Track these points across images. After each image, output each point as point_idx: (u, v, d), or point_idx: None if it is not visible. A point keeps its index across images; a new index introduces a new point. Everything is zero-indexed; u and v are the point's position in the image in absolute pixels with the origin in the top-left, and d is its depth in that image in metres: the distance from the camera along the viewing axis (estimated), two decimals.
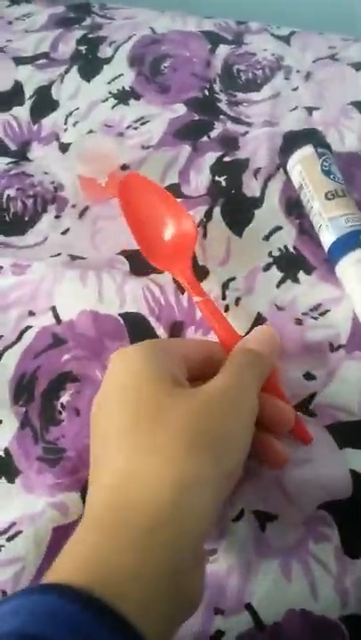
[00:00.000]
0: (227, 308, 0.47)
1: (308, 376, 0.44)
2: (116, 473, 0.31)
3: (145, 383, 0.34)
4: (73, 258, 0.51)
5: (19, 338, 0.47)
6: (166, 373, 0.35)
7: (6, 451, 0.43)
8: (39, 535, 0.39)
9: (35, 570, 0.38)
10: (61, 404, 0.44)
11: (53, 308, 0.48)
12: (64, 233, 0.53)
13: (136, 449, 0.32)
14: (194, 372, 0.38)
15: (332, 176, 0.49)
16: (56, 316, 0.48)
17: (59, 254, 0.51)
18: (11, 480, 0.42)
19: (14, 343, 0.47)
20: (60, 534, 0.39)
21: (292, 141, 0.55)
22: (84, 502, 0.40)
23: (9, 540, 0.40)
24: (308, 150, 0.51)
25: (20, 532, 0.40)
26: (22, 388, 0.45)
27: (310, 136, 0.54)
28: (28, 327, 0.48)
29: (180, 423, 0.32)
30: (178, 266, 0.47)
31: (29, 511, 0.40)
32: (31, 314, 0.48)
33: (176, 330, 0.47)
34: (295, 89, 0.61)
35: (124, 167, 0.55)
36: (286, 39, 0.65)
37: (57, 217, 0.54)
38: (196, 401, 0.33)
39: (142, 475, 0.30)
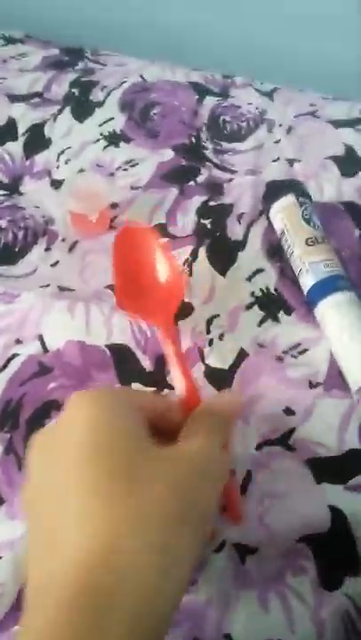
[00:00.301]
0: (211, 342, 0.49)
1: (288, 411, 0.45)
2: (87, 547, 0.27)
3: (117, 436, 0.31)
4: (62, 289, 0.52)
5: (5, 365, 0.48)
6: (138, 425, 0.33)
7: None
8: (18, 560, 0.40)
9: (14, 594, 0.39)
10: None
11: (41, 337, 0.49)
12: (53, 265, 0.54)
13: (112, 520, 0.28)
14: (149, 425, 0.34)
15: (312, 224, 0.52)
16: (43, 345, 0.49)
17: (48, 285, 0.52)
18: None
19: (1, 370, 0.48)
20: None
21: (274, 190, 0.58)
22: None
23: None
24: (290, 199, 0.54)
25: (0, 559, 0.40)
26: (7, 415, 0.46)
27: (292, 186, 0.57)
28: (15, 355, 0.49)
29: (162, 495, 0.29)
30: (162, 316, 0.47)
31: (10, 537, 0.41)
32: (18, 342, 0.49)
33: (161, 362, 0.48)
34: (277, 141, 0.64)
35: (113, 205, 0.57)
36: (269, 94, 0.69)
37: (47, 249, 0.55)
38: (174, 469, 0.31)
39: (124, 555, 0.27)
